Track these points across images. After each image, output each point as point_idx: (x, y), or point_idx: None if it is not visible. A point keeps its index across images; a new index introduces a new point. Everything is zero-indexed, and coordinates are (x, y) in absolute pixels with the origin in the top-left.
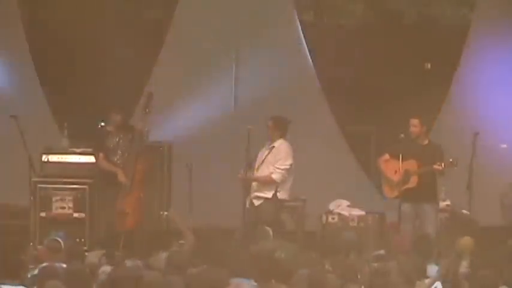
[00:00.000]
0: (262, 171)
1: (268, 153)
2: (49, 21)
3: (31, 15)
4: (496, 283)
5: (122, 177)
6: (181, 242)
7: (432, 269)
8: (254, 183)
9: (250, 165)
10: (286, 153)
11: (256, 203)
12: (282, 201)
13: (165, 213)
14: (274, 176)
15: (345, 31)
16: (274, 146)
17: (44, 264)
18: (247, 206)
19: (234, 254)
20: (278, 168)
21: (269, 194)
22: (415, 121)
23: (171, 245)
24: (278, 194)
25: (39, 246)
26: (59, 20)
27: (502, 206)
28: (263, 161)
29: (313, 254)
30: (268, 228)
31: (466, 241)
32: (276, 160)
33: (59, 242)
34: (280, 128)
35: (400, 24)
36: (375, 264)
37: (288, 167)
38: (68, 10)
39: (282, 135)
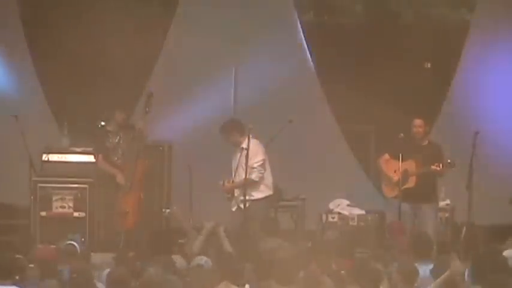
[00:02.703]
0: (240, 175)
1: (240, 155)
2: (49, 21)
3: (31, 15)
4: None
5: (120, 179)
6: (181, 241)
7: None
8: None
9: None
10: (256, 151)
11: (243, 206)
12: (266, 199)
13: (167, 210)
14: (252, 177)
15: (345, 31)
16: (243, 147)
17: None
18: (234, 209)
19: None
20: (253, 167)
21: (254, 195)
22: (419, 122)
23: (172, 244)
24: (258, 192)
25: (39, 246)
26: (58, 19)
27: None
28: (238, 165)
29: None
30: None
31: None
32: (248, 160)
33: (75, 246)
34: (236, 129)
35: (400, 24)
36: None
37: (261, 162)
38: (67, 9)
39: (243, 135)
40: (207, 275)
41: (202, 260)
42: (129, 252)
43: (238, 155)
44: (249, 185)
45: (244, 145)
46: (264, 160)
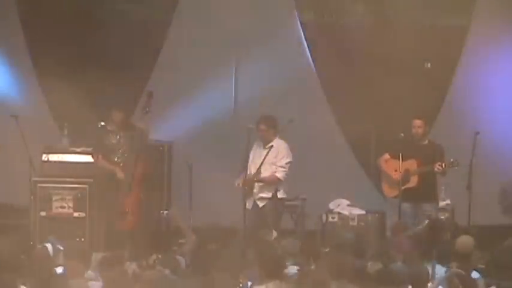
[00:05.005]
0: (265, 172)
1: (267, 153)
2: (48, 21)
3: (30, 15)
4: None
5: (120, 174)
6: (181, 241)
7: (439, 270)
8: (256, 185)
9: (245, 168)
10: (286, 151)
11: (260, 204)
12: (283, 200)
13: (165, 212)
14: (278, 175)
15: (345, 31)
16: (272, 146)
17: None
18: (250, 208)
19: (233, 254)
20: (281, 166)
21: (271, 194)
22: (418, 122)
23: (171, 244)
24: (278, 193)
25: (39, 246)
26: (58, 19)
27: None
28: (263, 162)
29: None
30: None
31: (466, 240)
32: (277, 159)
33: (46, 248)
34: (273, 127)
35: (400, 24)
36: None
37: (289, 164)
38: (67, 9)
39: (276, 134)
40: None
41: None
42: (130, 252)
43: (265, 152)
44: (273, 182)
45: (274, 144)
46: (291, 163)
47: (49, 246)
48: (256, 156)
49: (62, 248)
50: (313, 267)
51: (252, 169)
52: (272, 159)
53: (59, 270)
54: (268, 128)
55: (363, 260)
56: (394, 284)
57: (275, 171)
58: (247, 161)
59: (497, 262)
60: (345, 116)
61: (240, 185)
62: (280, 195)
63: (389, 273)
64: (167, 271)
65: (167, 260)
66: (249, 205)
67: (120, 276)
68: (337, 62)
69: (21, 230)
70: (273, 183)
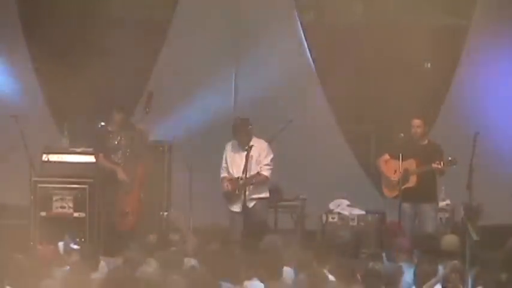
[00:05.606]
0: (251, 172)
1: (248, 153)
2: (48, 21)
3: (30, 15)
4: None
5: (121, 175)
6: (181, 241)
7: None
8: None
9: (225, 171)
10: (268, 149)
11: (250, 204)
12: (269, 198)
13: (165, 213)
14: (266, 173)
15: (345, 31)
16: (253, 145)
17: None
18: (239, 210)
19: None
20: (267, 164)
21: (261, 194)
22: (418, 122)
23: (171, 245)
24: (265, 192)
25: (39, 246)
26: (58, 19)
27: None
28: (247, 163)
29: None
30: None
31: (452, 239)
32: (261, 157)
33: (55, 248)
34: (250, 129)
35: (400, 24)
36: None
37: (273, 161)
38: (67, 10)
39: (252, 133)
40: (201, 275)
41: (192, 261)
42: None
43: (245, 153)
44: (263, 182)
45: (254, 143)
46: (273, 159)
47: (60, 245)
48: (236, 158)
49: (75, 247)
50: (312, 267)
51: (234, 171)
52: (256, 158)
53: (66, 269)
54: (248, 130)
55: (363, 260)
56: (391, 284)
57: (261, 170)
58: (232, 164)
59: (489, 264)
60: (345, 116)
61: (229, 188)
62: (265, 194)
63: (380, 272)
64: (168, 271)
65: (171, 260)
66: (237, 208)
67: (120, 277)
68: (337, 62)
69: (21, 230)
70: (262, 182)
